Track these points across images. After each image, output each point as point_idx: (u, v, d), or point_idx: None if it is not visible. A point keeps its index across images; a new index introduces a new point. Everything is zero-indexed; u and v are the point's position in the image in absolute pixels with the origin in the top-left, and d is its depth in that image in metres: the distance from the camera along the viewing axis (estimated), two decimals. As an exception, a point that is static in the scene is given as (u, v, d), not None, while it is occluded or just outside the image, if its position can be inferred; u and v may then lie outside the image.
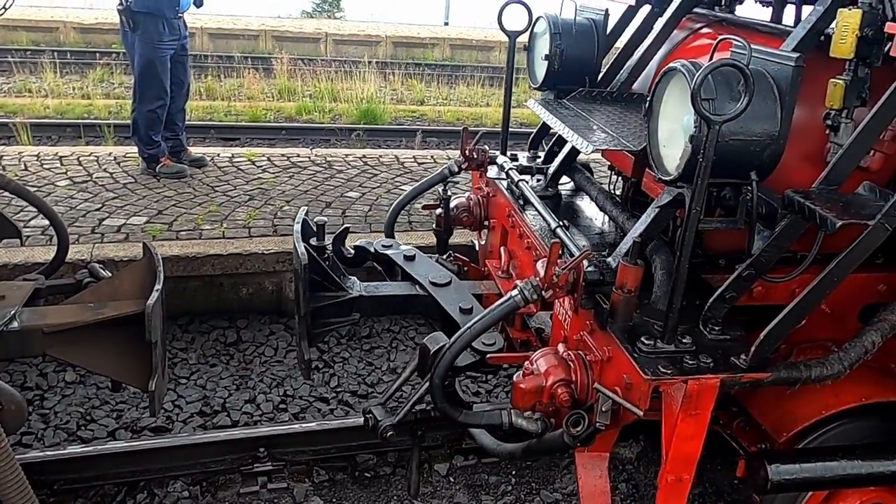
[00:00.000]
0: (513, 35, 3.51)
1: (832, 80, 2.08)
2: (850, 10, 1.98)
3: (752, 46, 2.12)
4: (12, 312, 2.59)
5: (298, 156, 7.10)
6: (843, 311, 2.51)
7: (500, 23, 3.47)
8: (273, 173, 6.52)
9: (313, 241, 3.16)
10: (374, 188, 6.30)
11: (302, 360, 3.05)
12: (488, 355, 2.69)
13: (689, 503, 2.34)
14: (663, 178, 2.19)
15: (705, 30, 3.01)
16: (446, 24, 22.24)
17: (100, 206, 5.46)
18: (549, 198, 3.42)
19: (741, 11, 3.30)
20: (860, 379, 2.44)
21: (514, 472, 3.68)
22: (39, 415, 3.86)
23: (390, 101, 11.64)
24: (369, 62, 12.81)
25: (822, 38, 2.18)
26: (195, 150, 6.83)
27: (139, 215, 5.33)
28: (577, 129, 2.81)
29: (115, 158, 6.57)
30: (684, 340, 2.14)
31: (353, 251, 3.49)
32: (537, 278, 2.27)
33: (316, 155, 7.18)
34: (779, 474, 2.32)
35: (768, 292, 2.38)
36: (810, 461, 2.39)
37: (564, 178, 3.62)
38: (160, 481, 3.40)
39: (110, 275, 3.05)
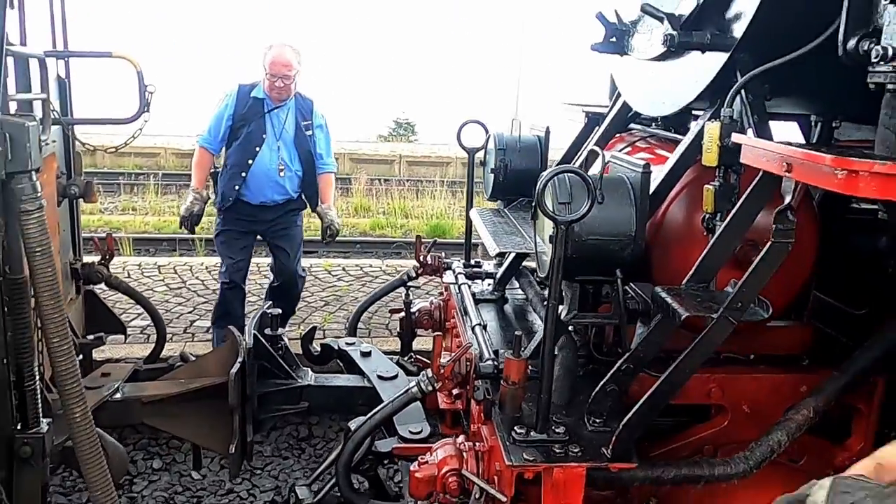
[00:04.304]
0: (471, 151, 3.78)
1: (706, 185, 2.20)
2: (713, 122, 2.14)
3: (613, 155, 2.28)
4: (116, 385, 3.01)
5: (371, 266, 7.59)
6: (765, 411, 2.49)
7: (459, 140, 3.72)
8: (347, 282, 6.99)
9: (268, 331, 3.38)
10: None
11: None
12: (392, 448, 2.80)
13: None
14: (541, 275, 2.30)
15: (640, 143, 3.17)
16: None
17: (191, 309, 6.00)
18: (494, 301, 3.48)
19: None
20: (780, 480, 2.39)
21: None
22: (128, 498, 4.18)
23: (458, 217, 12.20)
24: (440, 182, 13.56)
25: None
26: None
27: (225, 318, 5.81)
28: (496, 235, 2.99)
29: (206, 268, 7.22)
30: (557, 430, 2.15)
31: (319, 349, 3.82)
32: (432, 370, 2.42)
33: (387, 265, 7.66)
34: None
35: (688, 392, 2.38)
36: None
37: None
38: (235, 561, 3.63)
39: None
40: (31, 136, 1.99)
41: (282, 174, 5.02)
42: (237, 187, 4.98)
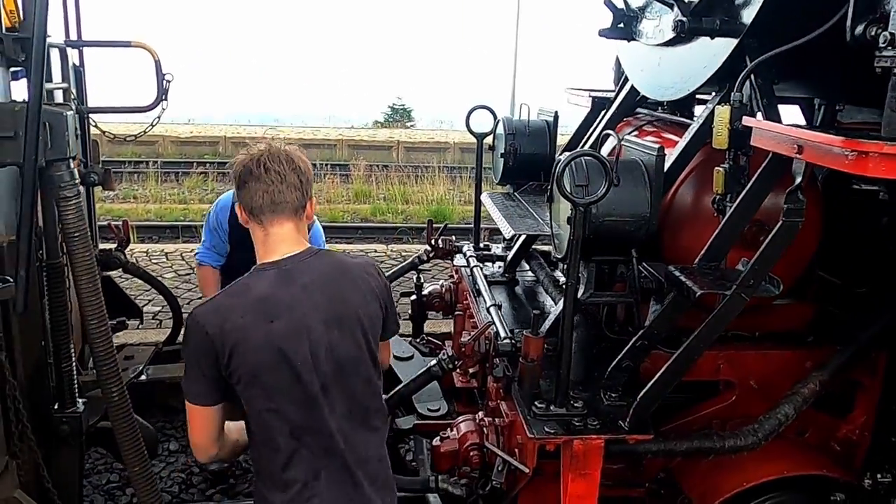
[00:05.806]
0: (480, 136, 3.80)
1: (716, 168, 2.24)
2: (723, 106, 2.18)
3: (628, 139, 2.32)
4: (141, 367, 3.09)
5: (375, 251, 7.67)
6: (772, 387, 2.56)
7: (468, 126, 3.74)
8: (352, 267, 7.06)
9: None
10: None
11: None
12: (414, 423, 2.86)
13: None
14: (557, 256, 2.37)
15: (647, 127, 3.24)
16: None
17: (201, 295, 6.05)
18: (505, 283, 3.52)
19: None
20: (788, 452, 2.52)
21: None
22: (147, 479, 4.27)
23: (458, 203, 12.27)
24: (439, 167, 13.61)
25: None
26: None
27: (234, 303, 5.89)
28: (510, 218, 3.04)
29: (212, 254, 7.28)
30: (576, 405, 2.22)
31: None
32: (452, 349, 2.51)
33: (391, 250, 7.74)
34: None
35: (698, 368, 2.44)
36: None
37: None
38: (251, 539, 3.72)
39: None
40: (69, 124, 2.06)
41: None
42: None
